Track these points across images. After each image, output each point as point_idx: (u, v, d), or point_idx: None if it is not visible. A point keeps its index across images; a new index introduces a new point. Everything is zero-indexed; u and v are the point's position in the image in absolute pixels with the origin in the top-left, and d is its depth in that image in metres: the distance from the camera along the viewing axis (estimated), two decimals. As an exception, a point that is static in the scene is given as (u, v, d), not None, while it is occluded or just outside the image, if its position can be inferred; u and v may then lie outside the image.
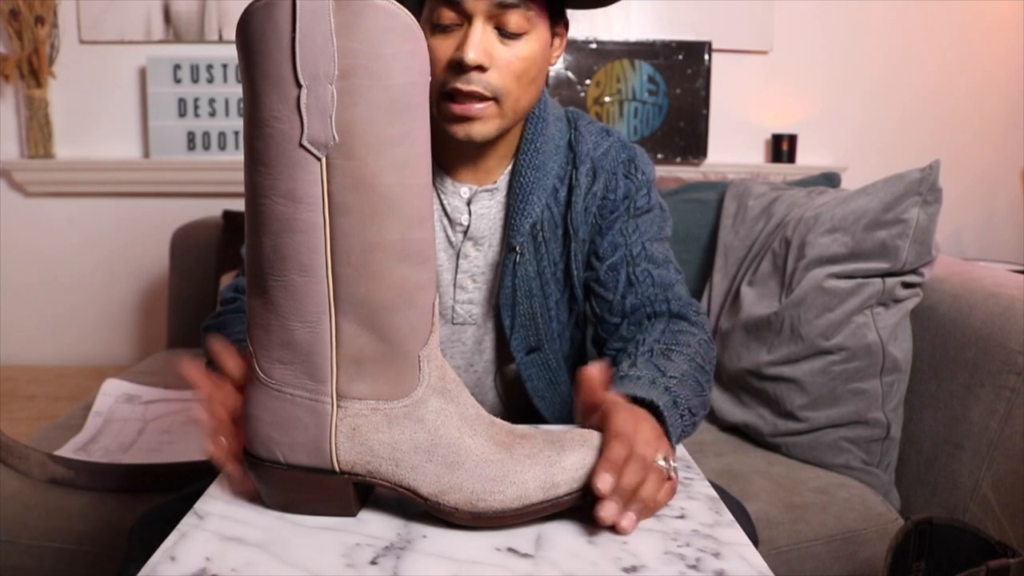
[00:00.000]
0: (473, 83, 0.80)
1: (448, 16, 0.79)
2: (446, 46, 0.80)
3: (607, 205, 0.93)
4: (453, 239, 0.93)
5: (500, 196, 0.93)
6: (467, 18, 0.79)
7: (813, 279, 1.29)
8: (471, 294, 0.93)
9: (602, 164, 0.93)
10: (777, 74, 2.48)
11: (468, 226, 0.91)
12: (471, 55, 0.78)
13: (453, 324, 0.95)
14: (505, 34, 0.80)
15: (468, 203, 0.92)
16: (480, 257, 0.93)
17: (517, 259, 0.90)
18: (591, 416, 0.67)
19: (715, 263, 1.55)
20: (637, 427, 0.61)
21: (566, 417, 0.98)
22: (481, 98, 0.81)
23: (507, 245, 0.91)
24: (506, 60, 0.81)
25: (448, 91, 0.81)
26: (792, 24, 2.45)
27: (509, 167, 0.93)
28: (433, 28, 0.80)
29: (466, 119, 0.82)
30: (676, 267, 0.95)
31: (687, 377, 0.75)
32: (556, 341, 0.95)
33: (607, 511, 0.56)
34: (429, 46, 0.79)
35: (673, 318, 0.89)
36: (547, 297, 0.93)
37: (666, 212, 0.97)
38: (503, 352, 0.98)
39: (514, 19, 0.80)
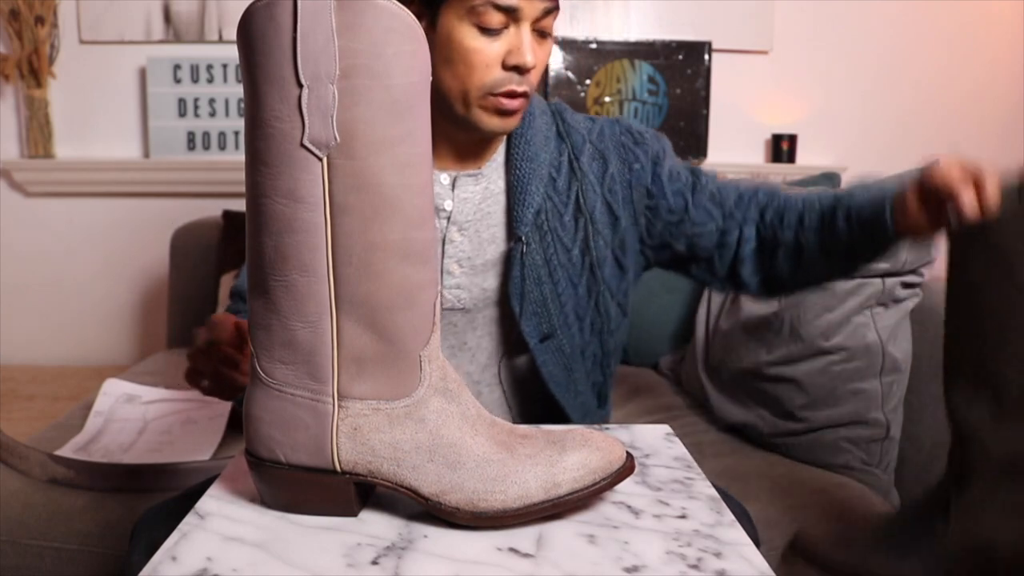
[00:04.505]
0: (525, 84, 0.87)
1: (499, 20, 0.84)
2: (494, 48, 0.85)
3: (640, 176, 0.97)
4: (437, 224, 0.94)
5: (485, 183, 0.95)
6: (516, 22, 0.85)
7: (813, 279, 1.29)
8: (458, 279, 0.94)
9: (603, 145, 0.97)
10: (777, 74, 2.48)
11: (451, 211, 0.93)
12: (530, 58, 0.85)
13: (442, 309, 0.96)
14: (542, 35, 0.87)
15: (452, 188, 0.94)
16: (465, 242, 0.94)
17: (524, 249, 0.92)
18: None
19: (715, 263, 1.55)
20: None
21: (581, 407, 0.98)
22: (527, 96, 0.88)
23: (512, 236, 0.93)
24: (541, 59, 0.88)
25: (503, 91, 0.86)
26: (792, 24, 2.45)
27: (495, 155, 0.96)
28: (481, 31, 0.85)
29: (510, 114, 0.88)
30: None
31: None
32: (569, 328, 0.96)
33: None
34: (473, 48, 0.84)
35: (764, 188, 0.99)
36: (556, 283, 0.94)
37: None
38: (508, 343, 0.98)
39: (551, 21, 0.87)
